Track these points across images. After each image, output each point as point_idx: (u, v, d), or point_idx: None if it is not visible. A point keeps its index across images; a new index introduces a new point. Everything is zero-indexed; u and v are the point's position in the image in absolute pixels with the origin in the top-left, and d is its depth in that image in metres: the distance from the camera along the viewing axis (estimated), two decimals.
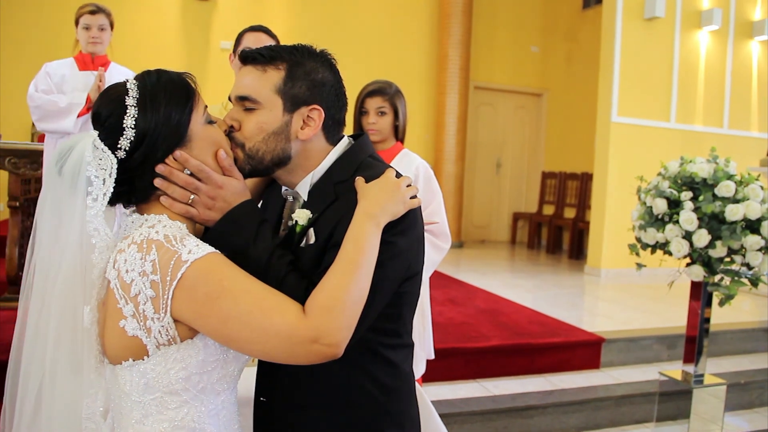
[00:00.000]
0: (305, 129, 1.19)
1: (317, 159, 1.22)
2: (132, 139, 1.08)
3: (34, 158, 3.50)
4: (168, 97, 1.11)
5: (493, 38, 8.40)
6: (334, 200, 1.18)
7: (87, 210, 1.07)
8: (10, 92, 5.99)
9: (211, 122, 1.17)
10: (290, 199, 1.27)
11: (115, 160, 1.08)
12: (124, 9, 6.41)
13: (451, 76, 7.61)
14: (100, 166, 1.07)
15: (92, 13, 3.24)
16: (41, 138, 5.26)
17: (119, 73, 3.27)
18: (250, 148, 1.17)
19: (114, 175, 1.08)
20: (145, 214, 1.13)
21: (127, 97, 1.09)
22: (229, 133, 1.19)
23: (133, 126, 1.08)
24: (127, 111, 1.08)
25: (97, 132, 1.10)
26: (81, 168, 1.07)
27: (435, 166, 7.53)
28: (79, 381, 1.09)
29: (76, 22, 3.29)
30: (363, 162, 1.23)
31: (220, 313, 1.01)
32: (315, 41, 1.26)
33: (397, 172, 1.23)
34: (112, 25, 3.32)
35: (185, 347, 1.06)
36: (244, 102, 1.18)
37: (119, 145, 1.08)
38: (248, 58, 1.19)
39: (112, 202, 1.11)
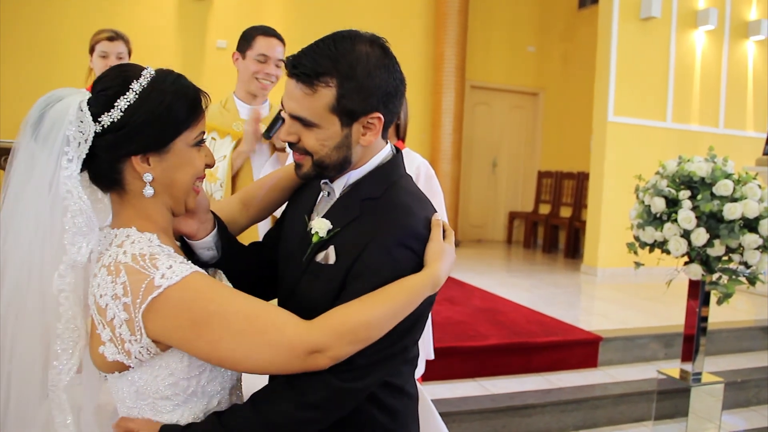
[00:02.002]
0: (367, 135, 1.15)
1: (366, 159, 1.20)
2: (115, 120, 1.04)
3: None
4: (173, 102, 1.07)
5: (489, 37, 8.40)
6: (357, 216, 1.14)
7: (61, 171, 1.03)
8: (7, 92, 5.96)
9: (198, 144, 1.13)
10: (326, 194, 1.24)
11: (93, 129, 1.04)
12: (121, 8, 6.38)
13: (447, 75, 7.60)
14: (79, 129, 1.03)
15: (110, 39, 2.96)
16: None
17: None
18: (316, 160, 1.15)
19: (89, 143, 1.04)
20: (114, 229, 1.09)
21: (135, 82, 1.06)
22: (294, 144, 1.16)
23: (123, 109, 1.04)
24: (126, 94, 1.05)
25: (89, 96, 1.07)
26: (63, 124, 1.03)
27: (431, 165, 7.52)
28: (45, 351, 1.06)
29: (92, 50, 3.00)
30: (396, 183, 1.20)
31: (210, 337, 0.99)
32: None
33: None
34: (130, 53, 3.05)
35: (168, 355, 1.04)
36: (299, 120, 1.14)
37: (100, 119, 1.04)
38: (294, 74, 1.12)
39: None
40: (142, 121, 1.04)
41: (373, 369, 1.08)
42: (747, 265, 2.77)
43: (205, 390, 1.09)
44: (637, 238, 3.00)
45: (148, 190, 1.08)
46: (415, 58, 7.75)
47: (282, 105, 1.18)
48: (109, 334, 1.01)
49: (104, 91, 1.06)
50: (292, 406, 1.03)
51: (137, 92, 1.05)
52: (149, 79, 1.07)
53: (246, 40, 2.40)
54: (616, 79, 6.20)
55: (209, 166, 1.16)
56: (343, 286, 1.11)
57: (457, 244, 8.03)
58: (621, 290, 5.61)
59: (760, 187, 2.76)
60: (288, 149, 2.27)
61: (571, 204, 7.81)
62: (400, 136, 2.51)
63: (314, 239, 1.15)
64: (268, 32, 2.40)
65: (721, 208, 2.70)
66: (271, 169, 2.35)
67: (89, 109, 1.04)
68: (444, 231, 1.17)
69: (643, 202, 2.97)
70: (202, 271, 1.05)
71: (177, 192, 1.12)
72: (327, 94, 1.10)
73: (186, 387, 1.06)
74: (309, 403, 1.04)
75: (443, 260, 1.11)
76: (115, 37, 2.97)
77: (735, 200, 2.73)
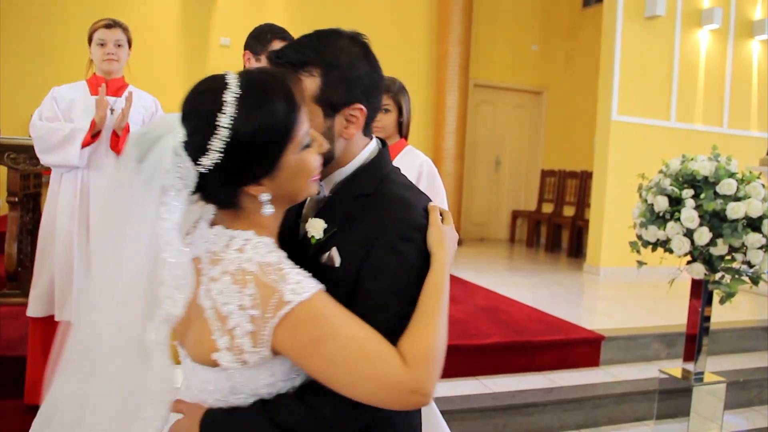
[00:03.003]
0: (349, 128, 1.16)
1: (351, 156, 1.20)
2: (216, 161, 0.98)
3: (34, 153, 3.47)
4: (267, 123, 1.00)
5: (493, 36, 8.39)
6: (354, 214, 1.14)
7: (161, 222, 0.98)
8: (10, 87, 5.98)
9: (307, 146, 1.07)
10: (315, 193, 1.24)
11: (194, 173, 0.99)
12: (124, 6, 6.39)
13: (450, 73, 7.59)
14: (178, 176, 0.98)
15: (108, 27, 2.88)
16: None
17: (138, 97, 2.90)
18: None
19: (191, 187, 1.00)
20: (229, 230, 1.05)
21: (220, 115, 0.97)
22: None
23: (220, 149, 0.98)
24: (218, 131, 0.97)
25: (183, 133, 1.00)
26: (159, 173, 0.98)
27: (434, 163, 7.52)
28: (128, 405, 1.01)
29: (90, 40, 2.92)
30: (387, 176, 1.20)
31: (325, 357, 0.99)
32: None
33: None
34: (130, 43, 2.95)
35: (274, 359, 1.03)
36: None
37: (200, 162, 0.98)
38: (279, 65, 1.13)
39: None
40: (242, 157, 0.99)
41: None
42: (750, 265, 2.76)
43: (294, 388, 1.09)
44: (639, 237, 2.99)
45: (268, 209, 1.05)
46: (419, 56, 7.74)
47: None
48: (228, 342, 0.99)
49: (194, 134, 0.99)
50: (340, 401, 1.03)
51: (228, 126, 0.98)
52: (234, 106, 0.98)
53: (260, 42, 2.37)
54: (619, 78, 6.19)
55: (323, 153, 1.13)
56: (353, 289, 1.10)
57: (459, 243, 7.99)
58: (623, 289, 5.61)
59: (763, 186, 2.75)
60: None
61: (574, 203, 7.80)
62: (403, 133, 2.50)
63: (312, 242, 1.15)
64: (285, 36, 2.38)
65: (725, 207, 2.69)
66: None
67: (187, 154, 0.99)
68: (441, 215, 1.18)
69: (646, 200, 2.96)
70: (324, 287, 1.04)
71: (296, 197, 1.11)
72: (310, 83, 1.12)
73: (282, 388, 1.06)
74: (353, 402, 1.03)
75: (446, 243, 1.13)
76: (112, 24, 2.89)
77: (738, 199, 2.72)
